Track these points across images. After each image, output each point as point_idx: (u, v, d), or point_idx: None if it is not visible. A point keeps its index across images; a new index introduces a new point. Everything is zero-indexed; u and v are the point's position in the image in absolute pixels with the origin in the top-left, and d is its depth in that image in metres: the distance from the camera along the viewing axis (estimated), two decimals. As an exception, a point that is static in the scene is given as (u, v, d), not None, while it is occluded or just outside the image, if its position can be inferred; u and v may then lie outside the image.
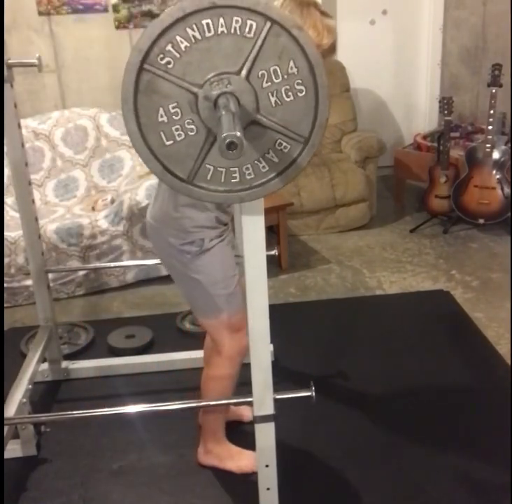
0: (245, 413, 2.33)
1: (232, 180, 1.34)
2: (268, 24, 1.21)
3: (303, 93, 1.28)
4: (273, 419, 1.67)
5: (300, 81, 1.27)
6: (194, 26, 1.20)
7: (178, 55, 1.22)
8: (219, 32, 1.21)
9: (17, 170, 2.40)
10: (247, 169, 1.33)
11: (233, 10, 1.20)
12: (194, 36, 1.21)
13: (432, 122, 4.91)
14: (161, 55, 1.22)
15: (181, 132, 1.28)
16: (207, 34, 1.21)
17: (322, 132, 1.32)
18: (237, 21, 1.20)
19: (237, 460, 2.17)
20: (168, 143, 1.29)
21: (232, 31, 1.21)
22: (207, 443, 2.18)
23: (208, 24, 1.20)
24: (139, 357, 2.83)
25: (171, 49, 1.21)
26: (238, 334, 1.93)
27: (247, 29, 1.21)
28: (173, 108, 1.26)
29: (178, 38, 1.21)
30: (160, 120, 1.27)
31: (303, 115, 1.30)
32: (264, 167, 1.34)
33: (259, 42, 1.22)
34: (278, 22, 1.21)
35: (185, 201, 1.78)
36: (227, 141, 1.12)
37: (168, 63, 1.22)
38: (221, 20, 1.20)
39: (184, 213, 1.82)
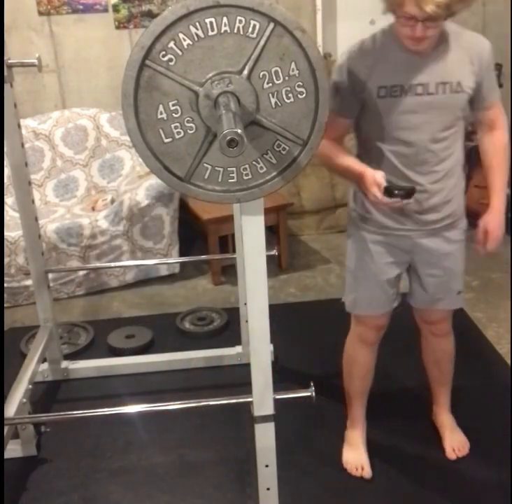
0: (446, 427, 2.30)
1: (230, 180, 1.34)
2: (272, 25, 1.21)
3: (304, 95, 1.28)
4: (273, 419, 1.67)
5: (301, 83, 1.27)
6: (198, 24, 1.20)
7: (180, 53, 1.22)
8: (222, 31, 1.21)
9: (17, 170, 2.40)
10: (245, 169, 1.33)
11: (237, 10, 1.20)
12: (196, 34, 1.21)
13: (432, 122, 4.90)
14: (163, 52, 1.22)
15: (180, 130, 1.28)
16: (210, 33, 1.21)
17: (321, 135, 1.32)
18: (240, 21, 1.20)
19: (347, 451, 2.21)
20: (166, 140, 1.29)
21: (235, 30, 1.21)
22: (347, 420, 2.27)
23: (211, 22, 1.20)
24: (139, 357, 2.83)
25: (173, 46, 1.21)
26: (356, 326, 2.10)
27: (250, 29, 1.21)
28: (173, 105, 1.26)
29: (181, 35, 1.21)
30: (159, 117, 1.27)
31: (302, 117, 1.30)
32: (261, 168, 1.34)
33: (262, 42, 1.22)
34: (281, 23, 1.21)
35: None
36: (228, 137, 1.12)
37: (170, 60, 1.22)
38: (224, 19, 1.20)
39: None
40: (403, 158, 1.79)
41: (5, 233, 3.27)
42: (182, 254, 3.63)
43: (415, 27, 1.62)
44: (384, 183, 1.70)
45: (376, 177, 1.70)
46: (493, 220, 1.87)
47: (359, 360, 2.15)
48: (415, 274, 2.00)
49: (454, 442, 2.22)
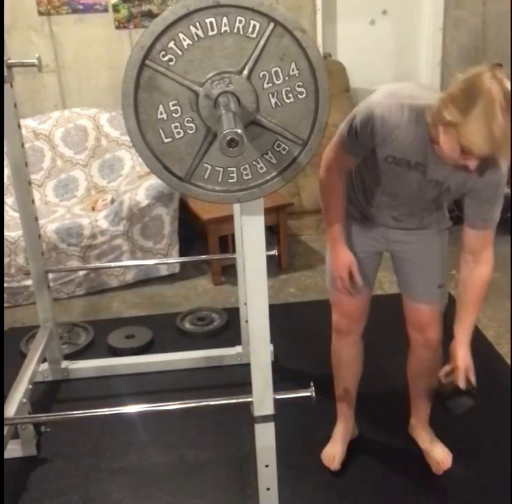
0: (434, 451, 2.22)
1: (230, 180, 1.34)
2: (272, 25, 1.21)
3: (304, 95, 1.28)
4: (273, 419, 1.67)
5: (301, 83, 1.27)
6: (198, 24, 1.20)
7: (180, 53, 1.22)
8: (222, 31, 1.21)
9: (17, 170, 2.40)
10: (244, 169, 1.33)
11: (237, 10, 1.20)
12: (196, 34, 1.21)
13: (432, 122, 4.90)
14: (163, 52, 1.21)
15: (180, 130, 1.28)
16: (210, 33, 1.21)
17: (321, 135, 1.32)
18: (240, 21, 1.20)
19: (328, 445, 2.25)
20: (166, 140, 1.29)
21: (235, 30, 1.21)
22: None
23: (211, 22, 1.20)
24: (139, 357, 2.84)
25: (174, 46, 1.21)
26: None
27: (250, 29, 1.21)
28: (173, 105, 1.26)
29: (181, 35, 1.21)
30: (159, 117, 1.27)
31: (302, 117, 1.30)
32: (261, 168, 1.33)
33: (262, 42, 1.22)
34: (281, 23, 1.21)
35: None
36: (228, 137, 1.12)
37: (170, 60, 1.22)
38: (224, 19, 1.20)
39: None
40: (392, 202, 1.89)
41: (5, 233, 3.27)
42: (182, 254, 3.63)
43: (470, 161, 1.55)
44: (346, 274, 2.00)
45: (350, 266, 1.96)
46: (464, 352, 1.85)
47: (339, 352, 2.20)
48: (395, 258, 2.06)
49: (438, 455, 2.19)
